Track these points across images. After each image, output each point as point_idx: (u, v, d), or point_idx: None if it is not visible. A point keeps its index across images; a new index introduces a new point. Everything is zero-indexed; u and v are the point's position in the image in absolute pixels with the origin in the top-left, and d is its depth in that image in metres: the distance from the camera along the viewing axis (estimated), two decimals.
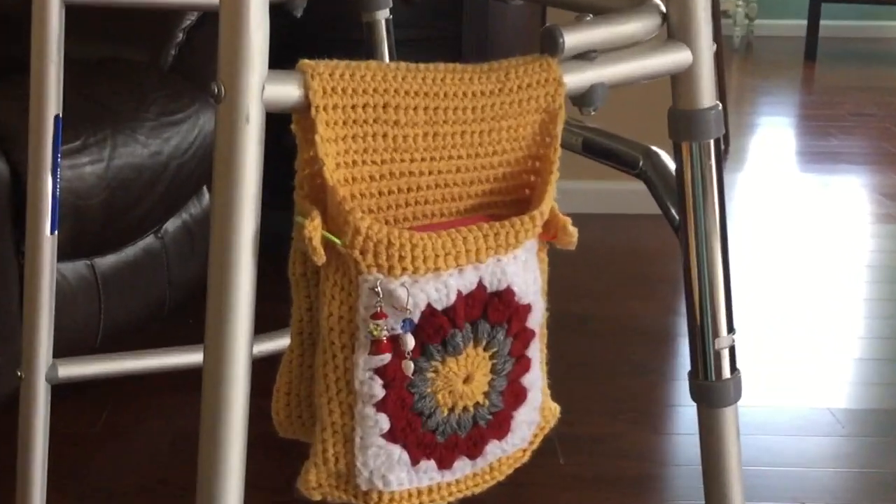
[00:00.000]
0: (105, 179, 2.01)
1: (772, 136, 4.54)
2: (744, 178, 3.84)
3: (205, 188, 2.36)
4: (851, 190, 3.79)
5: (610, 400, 2.25)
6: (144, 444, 2.07)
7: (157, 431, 2.10)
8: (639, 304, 2.74)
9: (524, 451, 0.88)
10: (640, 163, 0.99)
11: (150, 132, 2.14)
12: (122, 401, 2.17)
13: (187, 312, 2.28)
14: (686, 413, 2.21)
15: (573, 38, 0.80)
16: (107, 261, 2.10)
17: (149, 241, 2.21)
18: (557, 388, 0.92)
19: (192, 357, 1.18)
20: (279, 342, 1.20)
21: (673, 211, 0.93)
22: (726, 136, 3.46)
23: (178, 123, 2.20)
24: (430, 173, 0.78)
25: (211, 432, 0.74)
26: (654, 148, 1.00)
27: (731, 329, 0.92)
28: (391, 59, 1.35)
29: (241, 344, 0.74)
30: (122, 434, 2.09)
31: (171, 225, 2.28)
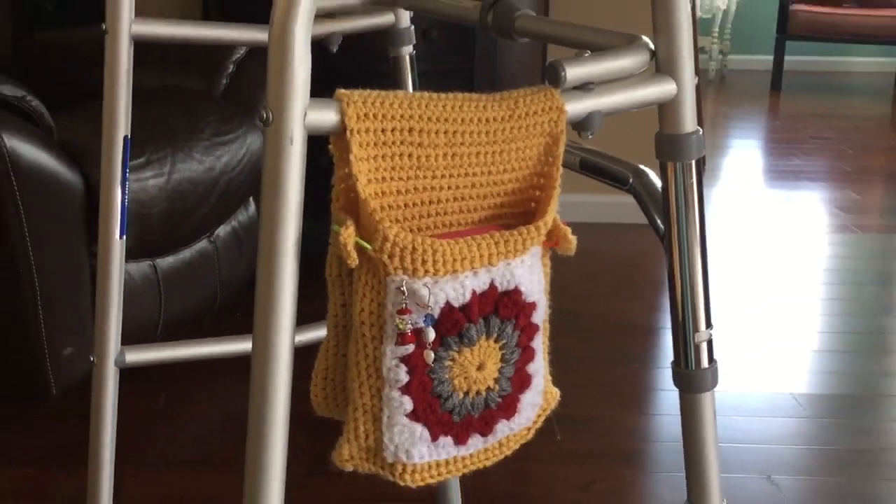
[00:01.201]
0: (165, 191, 2.02)
1: (742, 157, 4.53)
2: (718, 192, 3.83)
3: (251, 199, 2.36)
4: (811, 203, 3.78)
5: (601, 385, 2.25)
6: (197, 423, 2.08)
7: (209, 412, 2.11)
8: (627, 303, 2.74)
9: (528, 429, 0.87)
10: (631, 180, 0.98)
11: (205, 150, 2.14)
12: (178, 385, 2.18)
13: (235, 308, 2.28)
14: (668, 396, 2.21)
15: (574, 72, 0.80)
16: (166, 262, 2.11)
17: (203, 244, 2.22)
18: (556, 374, 0.92)
19: (240, 346, 1.18)
20: (317, 333, 1.19)
21: (658, 221, 0.92)
22: (703, 158, 3.46)
23: (228, 143, 2.21)
24: (449, 188, 0.78)
25: (258, 411, 0.74)
26: (643, 167, 1.00)
27: (709, 324, 0.92)
28: (415, 89, 1.35)
29: (285, 334, 0.73)
30: (178, 413, 2.10)
31: (222, 231, 2.28)
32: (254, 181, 2.24)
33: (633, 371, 2.34)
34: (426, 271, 0.75)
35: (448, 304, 0.76)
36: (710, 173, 4.05)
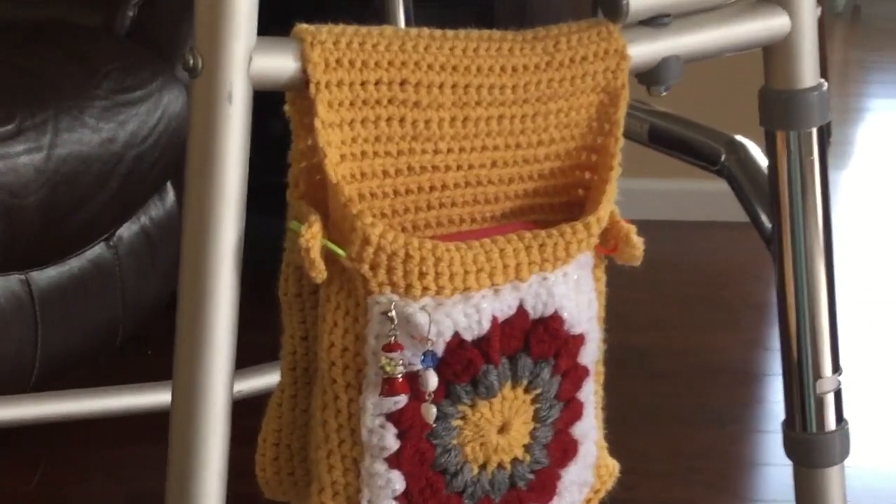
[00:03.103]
0: (45, 173, 2.01)
1: (884, 125, 4.52)
2: (849, 177, 3.82)
3: (169, 185, 2.36)
4: None
5: (680, 456, 2.25)
6: None
7: (106, 493, 2.10)
8: (717, 337, 2.73)
9: None
10: (723, 156, 0.99)
11: (102, 114, 2.14)
12: (62, 454, 2.17)
13: (146, 342, 2.28)
14: (777, 475, 2.20)
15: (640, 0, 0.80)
16: (45, 275, 2.10)
17: (98, 250, 2.21)
18: (615, 440, 0.92)
19: (152, 398, 1.19)
20: (266, 379, 1.20)
21: (763, 217, 0.93)
22: (828, 125, 3.45)
23: (136, 103, 2.20)
24: (458, 168, 0.79)
25: (180, 493, 0.74)
26: (741, 138, 1.00)
27: (836, 368, 0.92)
28: (409, 24, 1.35)
29: (220, 380, 0.74)
30: (62, 495, 2.09)
31: (127, 231, 2.28)
32: (173, 158, 2.24)
33: (727, 436, 2.33)
34: (425, 289, 0.75)
35: (457, 336, 0.76)
36: (838, 148, 4.05)
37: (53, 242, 2.09)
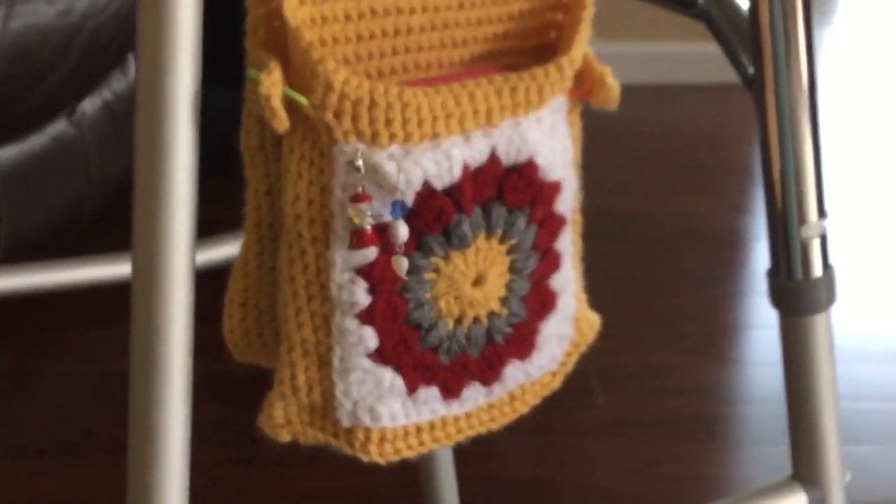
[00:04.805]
0: (0, 47, 1.99)
1: None
2: (833, 35, 3.81)
3: (131, 56, 2.34)
4: None
5: (663, 322, 2.26)
6: (63, 390, 2.08)
7: (79, 374, 2.11)
8: (698, 201, 2.74)
9: (554, 374, 0.88)
10: None
11: None
12: (34, 337, 2.18)
13: (112, 219, 2.27)
14: (762, 337, 2.22)
15: None
16: (6, 154, 2.10)
17: (60, 126, 2.20)
18: (596, 308, 0.92)
19: (116, 268, 1.18)
20: (230, 248, 1.19)
21: (744, 59, 0.92)
22: None
23: None
24: (423, 10, 0.77)
25: (144, 366, 0.74)
26: None
27: (822, 213, 0.91)
28: None
29: (181, 246, 0.73)
30: (35, 378, 2.10)
31: (90, 106, 2.27)
32: (132, 28, 2.21)
33: (710, 300, 2.35)
34: (392, 136, 0.74)
35: (427, 185, 0.75)
36: (821, 5, 4.03)
37: (12, 119, 2.08)
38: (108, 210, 2.29)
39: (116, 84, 2.33)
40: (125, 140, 2.32)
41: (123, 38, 2.24)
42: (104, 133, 2.29)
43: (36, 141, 2.15)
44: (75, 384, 2.09)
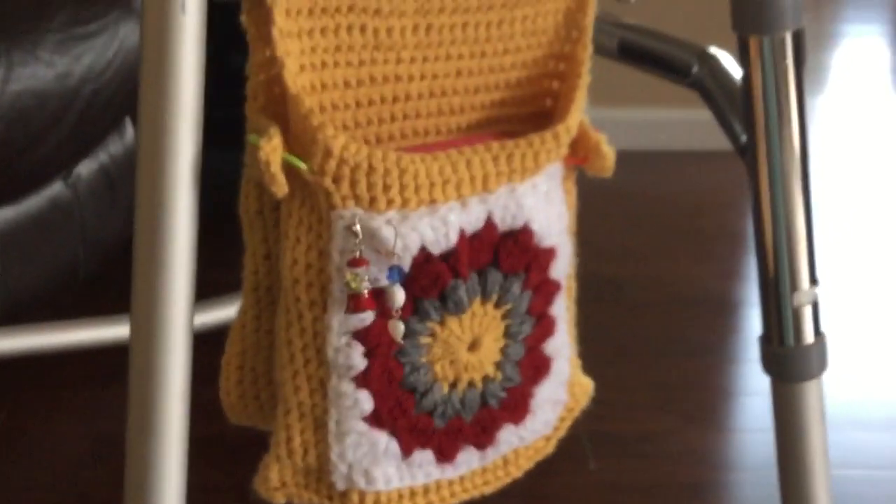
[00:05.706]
0: None
1: (861, 50, 4.52)
2: (825, 102, 3.83)
3: (128, 120, 2.35)
4: None
5: (656, 388, 2.25)
6: (56, 451, 2.07)
7: (73, 435, 2.10)
8: (691, 267, 2.74)
9: (547, 439, 0.88)
10: (694, 68, 0.98)
11: (56, 48, 2.12)
12: (26, 397, 2.17)
13: (108, 280, 2.27)
14: (755, 404, 2.21)
15: None
16: (1, 215, 2.09)
17: (56, 189, 2.20)
18: (590, 373, 0.92)
19: (113, 330, 1.18)
20: (228, 311, 1.19)
21: (737, 128, 0.92)
22: (803, 47, 3.46)
23: (91, 36, 2.19)
24: (422, 78, 0.78)
25: (141, 430, 0.74)
26: (713, 49, 1.00)
27: (813, 281, 0.92)
28: None
29: (180, 312, 0.73)
30: (27, 438, 2.09)
31: (85, 169, 2.27)
32: (130, 92, 2.22)
33: (703, 366, 2.34)
34: (390, 202, 0.75)
35: (424, 250, 0.76)
36: (814, 74, 4.05)
37: (9, 181, 2.08)
38: (103, 272, 2.29)
39: (113, 147, 2.34)
40: (121, 203, 2.32)
41: (121, 102, 2.25)
42: (100, 196, 2.29)
43: (32, 203, 2.15)
44: (69, 445, 2.08)
